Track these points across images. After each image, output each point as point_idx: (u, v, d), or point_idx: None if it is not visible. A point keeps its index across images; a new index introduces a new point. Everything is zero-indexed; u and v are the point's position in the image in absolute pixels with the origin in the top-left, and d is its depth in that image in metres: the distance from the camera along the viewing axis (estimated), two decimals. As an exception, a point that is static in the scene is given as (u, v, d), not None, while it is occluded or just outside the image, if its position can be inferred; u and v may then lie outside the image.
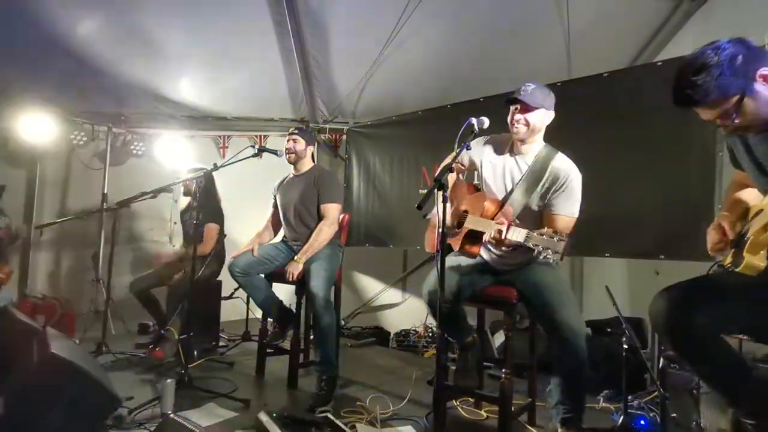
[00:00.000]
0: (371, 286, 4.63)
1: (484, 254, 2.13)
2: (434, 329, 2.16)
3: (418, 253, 4.16)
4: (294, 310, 2.86)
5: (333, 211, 2.85)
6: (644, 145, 2.69)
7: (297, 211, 2.90)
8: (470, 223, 1.98)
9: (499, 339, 3.27)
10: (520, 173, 2.05)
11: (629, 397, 2.21)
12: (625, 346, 2.09)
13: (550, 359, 2.02)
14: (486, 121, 2.02)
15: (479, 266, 2.13)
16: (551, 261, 1.57)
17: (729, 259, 1.41)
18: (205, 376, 2.80)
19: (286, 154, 2.90)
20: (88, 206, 4.06)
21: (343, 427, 2.05)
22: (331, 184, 2.91)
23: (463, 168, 2.25)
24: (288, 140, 2.93)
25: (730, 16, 2.92)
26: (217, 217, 3.54)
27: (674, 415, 1.91)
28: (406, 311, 4.48)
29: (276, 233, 3.14)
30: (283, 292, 2.96)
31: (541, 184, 1.98)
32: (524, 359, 2.38)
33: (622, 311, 2.18)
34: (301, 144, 2.92)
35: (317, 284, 2.56)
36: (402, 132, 4.07)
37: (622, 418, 2.07)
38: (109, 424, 2.04)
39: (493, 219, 1.89)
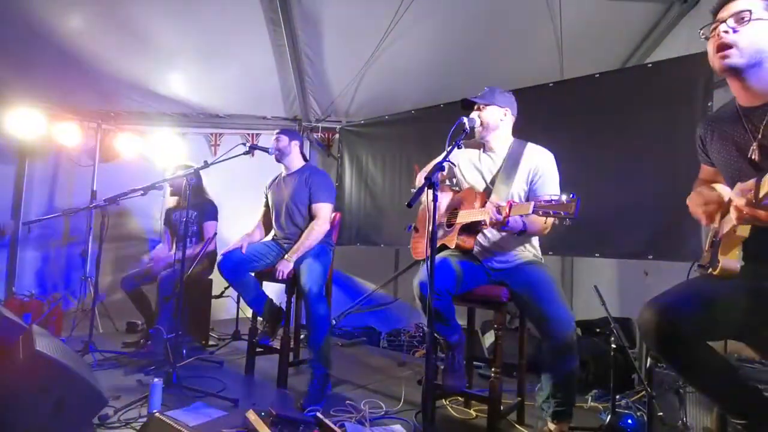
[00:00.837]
0: (362, 286, 4.62)
1: (477, 250, 2.13)
2: (425, 329, 2.15)
3: (410, 252, 4.16)
4: (284, 309, 2.85)
5: (324, 210, 2.84)
6: (634, 146, 2.72)
7: (288, 210, 2.89)
8: (463, 218, 2.00)
9: (489, 339, 3.28)
10: (495, 167, 2.14)
11: (617, 397, 2.22)
12: (614, 346, 2.10)
13: (539, 359, 2.02)
14: (477, 121, 2.05)
15: (474, 263, 2.14)
16: (566, 223, 1.58)
17: (707, 258, 1.42)
18: (194, 375, 2.77)
19: (271, 153, 2.90)
20: (76, 203, 4.01)
21: (332, 426, 2.04)
22: (323, 183, 2.90)
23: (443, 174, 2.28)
24: (273, 140, 2.95)
25: (719, 19, 2.94)
26: (214, 214, 3.54)
27: (661, 414, 1.93)
28: (397, 311, 4.48)
29: (267, 232, 3.13)
30: (273, 291, 2.95)
31: (520, 171, 2.06)
32: (514, 359, 2.38)
33: (611, 311, 2.19)
34: (283, 141, 2.92)
35: (309, 279, 2.55)
36: (394, 131, 4.07)
37: (609, 417, 2.09)
38: (96, 423, 2.02)
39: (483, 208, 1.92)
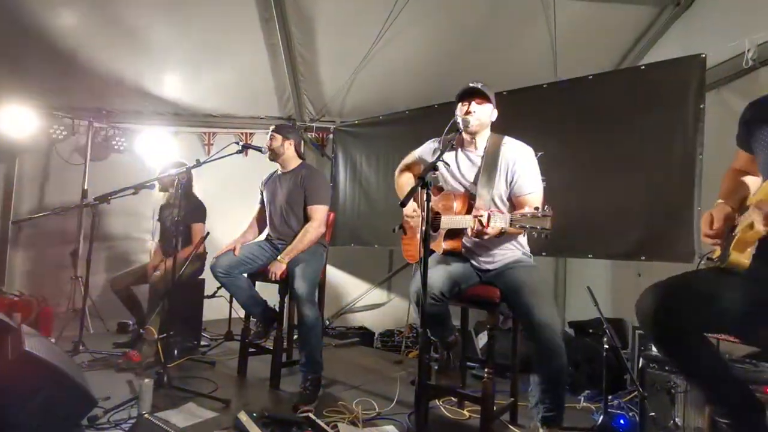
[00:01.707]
0: (356, 287, 4.61)
1: (463, 251, 2.14)
2: (418, 329, 2.16)
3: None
4: (277, 310, 2.83)
5: (320, 212, 2.82)
6: (627, 147, 2.73)
7: (282, 211, 2.87)
8: (447, 224, 2.00)
9: (482, 339, 3.28)
10: (476, 167, 2.11)
11: (609, 397, 2.23)
12: (606, 347, 2.11)
13: (532, 360, 2.03)
14: (470, 119, 2.04)
15: (466, 265, 2.14)
16: (543, 237, 1.58)
17: (718, 252, 1.41)
18: (186, 375, 2.76)
19: (265, 152, 2.88)
20: (67, 202, 3.97)
21: (324, 427, 2.03)
22: (319, 184, 2.88)
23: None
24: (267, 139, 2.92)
25: (712, 22, 2.98)
26: (203, 215, 3.50)
27: (653, 414, 1.93)
28: (390, 311, 4.48)
29: (261, 231, 3.10)
30: (267, 291, 2.93)
31: (499, 170, 2.05)
32: (507, 359, 2.39)
33: (604, 312, 2.20)
34: (277, 140, 2.88)
35: (301, 283, 2.54)
36: (389, 131, 4.07)
37: (602, 417, 2.09)
38: (85, 424, 2.00)
39: (467, 214, 1.91)
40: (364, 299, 4.59)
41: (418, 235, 1.74)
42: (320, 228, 2.81)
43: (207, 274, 3.18)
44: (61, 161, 4.26)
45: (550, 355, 1.88)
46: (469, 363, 2.74)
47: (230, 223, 3.57)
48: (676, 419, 1.87)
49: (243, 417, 2.00)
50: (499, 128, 2.19)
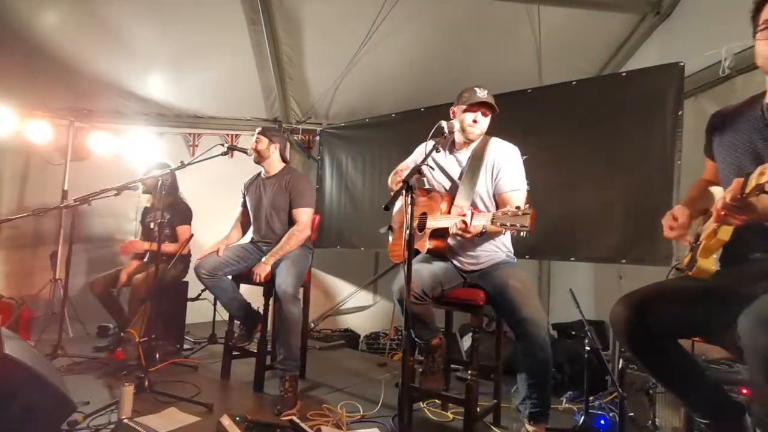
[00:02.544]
0: (342, 289, 4.60)
1: (451, 257, 2.15)
2: (404, 331, 2.16)
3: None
4: (261, 312, 2.81)
5: (305, 215, 2.81)
6: (608, 152, 2.78)
7: (267, 215, 2.86)
8: (432, 224, 2.03)
9: (467, 342, 3.30)
10: (460, 167, 2.16)
11: (591, 398, 2.26)
12: (588, 348, 2.14)
13: (515, 362, 2.05)
14: (456, 124, 2.07)
15: (449, 267, 2.16)
16: (523, 234, 1.59)
17: (686, 261, 1.45)
18: (168, 380, 2.72)
19: (250, 154, 2.86)
20: (47, 203, 3.89)
21: (308, 430, 2.02)
22: (304, 188, 2.87)
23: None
24: (252, 141, 2.90)
25: (690, 31, 3.05)
26: (189, 218, 3.47)
27: (631, 414, 1.97)
28: (376, 314, 4.48)
29: (245, 232, 3.08)
30: (251, 294, 2.91)
31: (483, 168, 2.09)
32: (491, 362, 2.41)
33: (587, 314, 2.24)
34: (263, 143, 2.87)
35: (285, 281, 2.52)
36: (375, 134, 4.08)
37: (583, 418, 2.12)
38: (64, 428, 1.96)
39: (451, 214, 1.94)
40: (349, 301, 4.58)
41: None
42: (305, 231, 2.80)
43: (190, 277, 3.14)
44: (41, 161, 4.18)
45: (536, 349, 1.90)
46: (453, 365, 2.75)
47: (215, 225, 3.53)
48: (655, 419, 1.90)
49: (226, 421, 1.98)
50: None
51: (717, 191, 1.50)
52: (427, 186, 2.28)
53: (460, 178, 2.14)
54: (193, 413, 2.25)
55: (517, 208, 1.60)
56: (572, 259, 3.00)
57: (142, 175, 3.29)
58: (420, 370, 2.28)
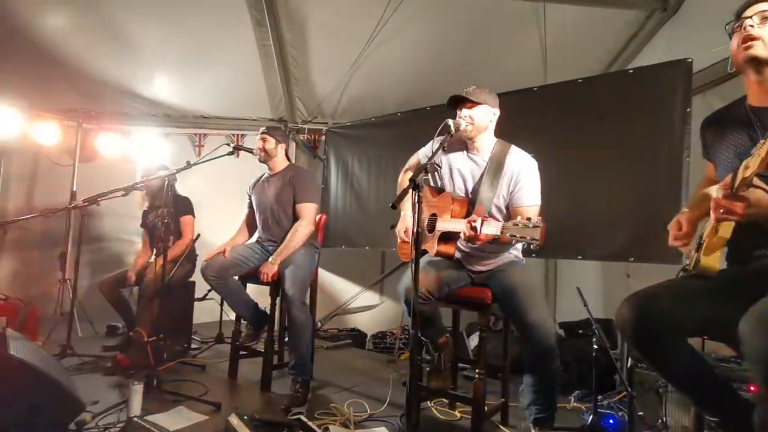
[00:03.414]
0: (348, 288, 4.61)
1: (459, 256, 2.14)
2: (411, 331, 2.16)
3: (396, 255, 4.16)
4: (268, 312, 2.82)
5: (309, 210, 2.81)
6: (615, 150, 2.76)
7: (272, 212, 2.87)
8: (442, 226, 2.00)
9: (474, 341, 3.30)
10: (479, 170, 2.11)
11: (599, 397, 2.25)
12: (596, 347, 2.13)
13: (523, 360, 2.04)
14: (466, 119, 2.05)
15: (456, 266, 2.14)
16: (533, 247, 1.59)
17: (693, 262, 1.45)
18: (176, 379, 2.73)
19: (256, 153, 2.87)
20: (55, 203, 3.92)
21: (315, 429, 2.03)
22: (307, 183, 2.88)
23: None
24: (258, 140, 2.90)
25: (698, 27, 3.02)
26: (190, 208, 3.48)
27: (641, 413, 1.95)
28: (382, 313, 4.48)
29: (251, 234, 3.09)
30: (258, 293, 2.92)
31: (502, 179, 2.04)
32: (498, 360, 2.40)
33: (594, 313, 2.22)
34: (270, 142, 2.88)
35: (292, 285, 2.53)
36: (381, 133, 4.07)
37: (591, 417, 2.11)
38: (73, 428, 1.97)
39: (463, 218, 1.92)
40: (356, 301, 4.58)
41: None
42: (310, 226, 2.80)
43: (197, 277, 3.16)
44: (50, 163, 4.21)
45: (543, 356, 1.89)
46: (460, 364, 2.75)
47: (221, 225, 3.55)
48: (665, 418, 1.89)
49: (234, 420, 1.99)
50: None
51: (714, 191, 1.51)
52: (432, 184, 2.26)
53: (478, 184, 2.09)
54: (201, 412, 2.26)
55: (528, 219, 1.59)
56: (579, 257, 2.98)
57: (140, 177, 3.31)
58: (427, 369, 2.28)
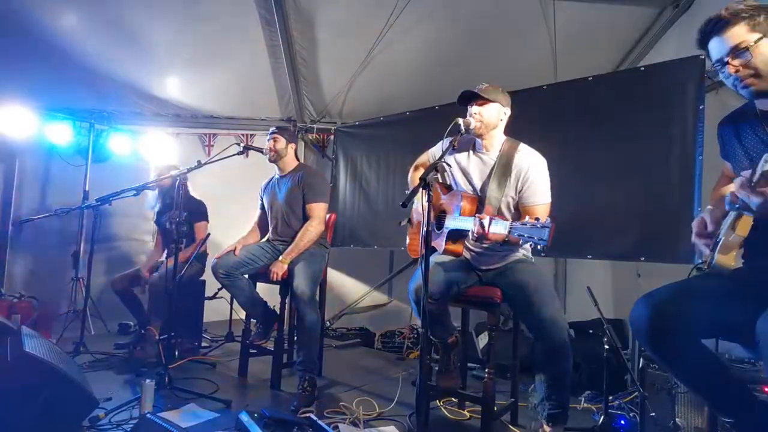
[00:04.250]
0: (357, 288, 4.61)
1: (467, 255, 2.14)
2: (419, 330, 2.17)
3: (405, 254, 4.13)
4: (278, 311, 2.84)
5: (319, 210, 2.82)
6: (626, 148, 2.73)
7: (283, 212, 2.88)
8: (450, 223, 2.00)
9: (483, 340, 3.29)
10: (488, 169, 2.09)
11: (610, 398, 2.23)
12: (606, 347, 2.11)
13: (532, 360, 2.03)
14: (477, 117, 2.04)
15: (464, 265, 2.14)
16: (540, 248, 1.58)
17: (708, 260, 1.43)
18: (187, 376, 2.76)
19: (266, 153, 2.88)
20: (68, 203, 3.97)
21: (325, 427, 2.03)
22: (317, 182, 2.89)
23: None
24: (268, 140, 2.91)
25: (711, 24, 2.98)
26: (205, 214, 3.51)
27: (653, 414, 1.93)
28: (391, 312, 4.48)
29: (263, 236, 3.10)
30: (268, 292, 2.94)
31: (511, 177, 2.03)
32: (507, 360, 2.39)
33: (604, 313, 2.20)
34: (281, 142, 2.90)
35: (301, 283, 2.54)
36: (389, 133, 4.07)
37: (602, 418, 2.09)
38: (86, 425, 2.00)
39: (473, 216, 1.91)
40: (364, 300, 4.59)
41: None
42: (320, 226, 2.81)
43: (208, 276, 3.19)
44: (62, 162, 4.27)
45: (557, 352, 1.88)
46: (469, 364, 2.74)
47: (231, 225, 3.58)
48: (677, 419, 1.87)
49: (244, 417, 2.00)
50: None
51: (734, 185, 1.49)
52: (447, 182, 2.24)
53: (486, 182, 2.07)
54: (212, 409, 2.28)
55: (537, 219, 1.58)
56: (589, 256, 2.97)
57: (151, 177, 3.34)
58: (437, 368, 2.28)
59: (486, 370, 2.06)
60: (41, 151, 4.21)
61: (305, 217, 2.83)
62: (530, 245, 1.62)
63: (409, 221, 2.35)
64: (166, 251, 3.50)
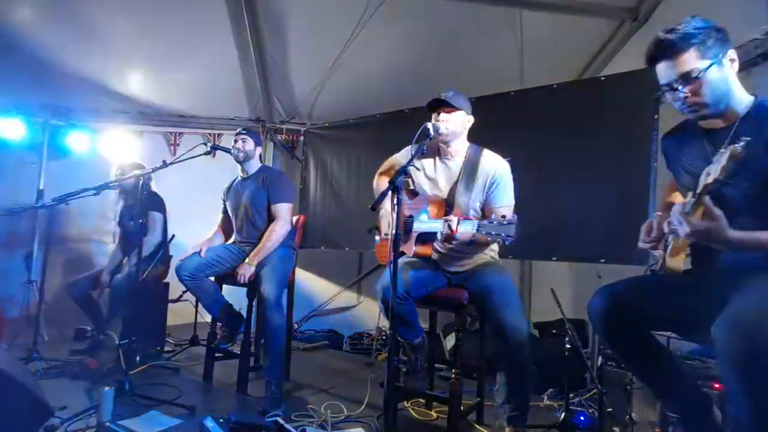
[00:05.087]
0: (326, 289, 4.59)
1: (436, 257, 2.17)
2: (388, 332, 2.18)
3: (374, 255, 4.17)
4: (244, 314, 2.79)
5: (285, 210, 2.80)
6: (588, 154, 2.84)
7: (247, 214, 2.84)
8: (418, 227, 2.04)
9: (450, 341, 3.33)
10: (453, 175, 2.15)
11: (571, 395, 2.31)
12: (568, 346, 2.18)
13: (498, 360, 2.08)
14: (443, 125, 2.08)
15: (433, 267, 2.17)
16: (507, 243, 1.64)
17: (660, 263, 1.51)
18: (149, 382, 2.67)
19: (235, 153, 2.83)
20: (21, 202, 3.78)
21: (293, 431, 2.02)
22: (281, 183, 2.87)
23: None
24: (236, 140, 2.87)
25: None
26: (160, 207, 3.40)
27: (610, 409, 2.02)
28: (360, 314, 4.48)
29: (227, 239, 3.05)
30: (233, 295, 2.88)
31: (478, 181, 2.09)
32: (474, 361, 2.44)
33: (567, 313, 2.28)
34: (250, 144, 2.87)
35: (269, 287, 2.51)
36: (360, 135, 4.08)
37: (563, 414, 2.17)
38: (40, 435, 1.91)
39: (440, 219, 1.95)
40: (333, 302, 4.57)
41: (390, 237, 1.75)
42: (286, 226, 2.79)
43: (171, 278, 3.10)
44: (14, 160, 4.05)
45: (516, 356, 1.94)
46: (437, 364, 2.78)
47: (195, 226, 3.49)
48: (632, 414, 1.96)
49: (209, 423, 1.96)
50: (468, 133, 2.23)
51: (677, 201, 1.59)
52: (411, 187, 2.28)
53: (453, 187, 2.13)
54: (175, 416, 2.22)
55: (503, 217, 1.64)
56: (554, 258, 3.06)
57: (114, 176, 3.23)
58: (404, 369, 2.30)
59: (453, 371, 2.10)
60: (-9, 147, 3.99)
61: (270, 219, 2.81)
62: (498, 243, 1.67)
63: (377, 229, 2.36)
64: (127, 257, 3.37)
